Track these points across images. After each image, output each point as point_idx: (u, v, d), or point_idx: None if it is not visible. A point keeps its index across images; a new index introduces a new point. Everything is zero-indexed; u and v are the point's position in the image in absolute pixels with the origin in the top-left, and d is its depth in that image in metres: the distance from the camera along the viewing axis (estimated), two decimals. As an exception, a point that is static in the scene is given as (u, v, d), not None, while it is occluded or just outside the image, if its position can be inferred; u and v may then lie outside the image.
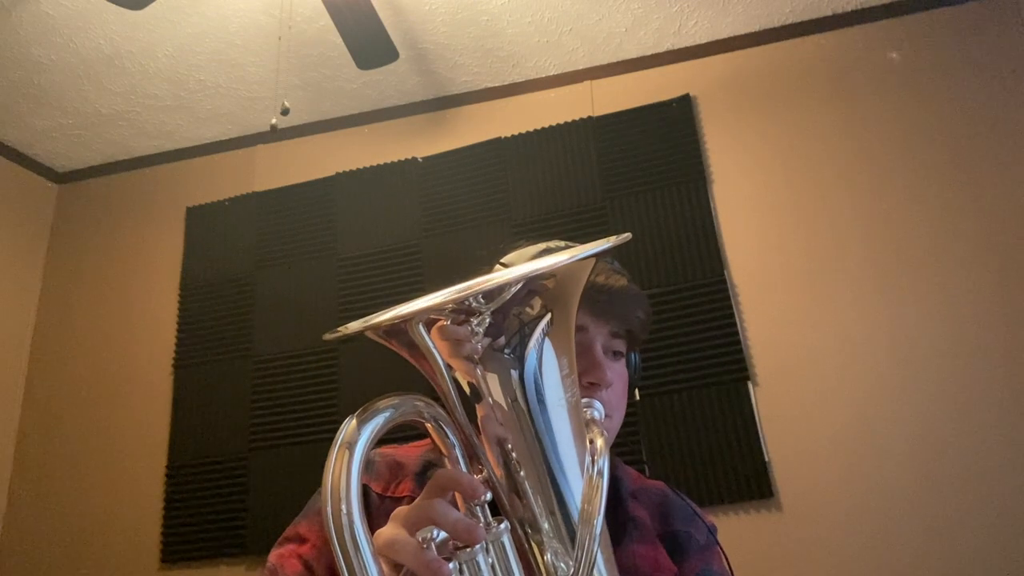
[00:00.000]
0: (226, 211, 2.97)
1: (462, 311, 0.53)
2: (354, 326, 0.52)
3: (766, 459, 2.22)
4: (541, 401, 0.57)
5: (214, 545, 2.52)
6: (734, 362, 2.32)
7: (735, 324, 2.36)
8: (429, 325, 0.54)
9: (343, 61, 2.59)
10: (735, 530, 2.18)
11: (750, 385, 2.30)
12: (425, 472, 0.78)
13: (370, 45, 2.23)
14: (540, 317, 0.56)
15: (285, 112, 2.11)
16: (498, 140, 2.78)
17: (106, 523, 2.64)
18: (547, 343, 0.57)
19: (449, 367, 0.56)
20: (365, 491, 0.77)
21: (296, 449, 2.56)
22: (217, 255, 2.91)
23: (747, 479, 2.20)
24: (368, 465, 0.80)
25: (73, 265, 3.06)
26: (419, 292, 0.50)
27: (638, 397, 2.34)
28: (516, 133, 2.77)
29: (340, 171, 2.90)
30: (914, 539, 2.08)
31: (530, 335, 0.56)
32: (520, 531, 0.59)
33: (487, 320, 0.53)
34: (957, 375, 2.20)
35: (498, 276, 0.52)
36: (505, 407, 0.56)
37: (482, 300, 0.52)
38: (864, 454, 2.18)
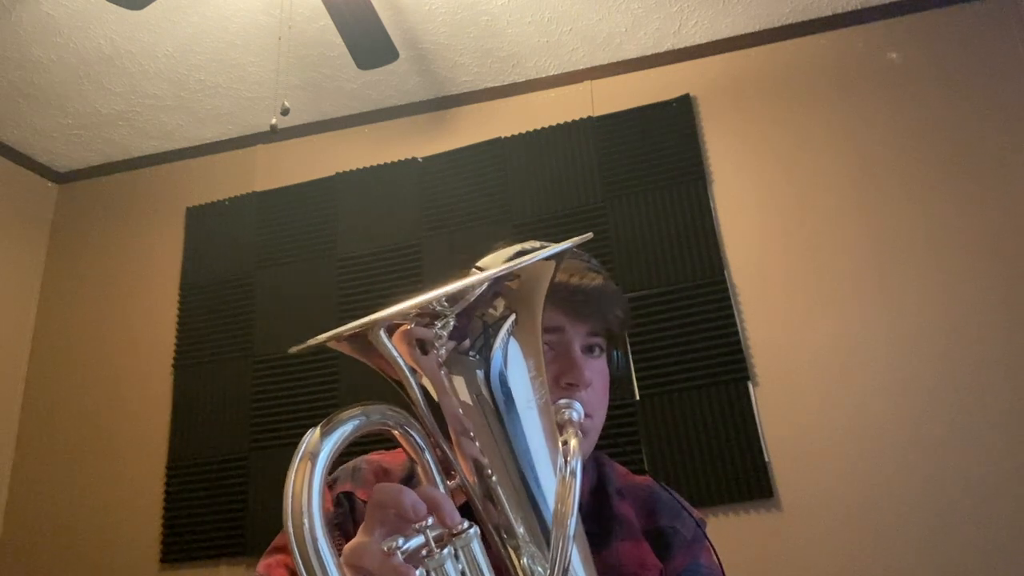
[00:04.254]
0: (226, 211, 2.97)
1: (425, 315, 0.52)
2: (320, 338, 0.51)
3: (766, 459, 2.21)
4: (509, 402, 0.57)
5: (214, 545, 2.52)
6: (734, 362, 2.32)
7: (735, 324, 2.36)
8: (392, 332, 0.53)
9: (343, 61, 2.59)
10: (735, 530, 2.18)
11: (750, 385, 2.30)
12: (411, 478, 0.78)
13: (370, 45, 2.23)
14: (504, 318, 0.56)
15: (285, 112, 2.11)
16: (498, 140, 2.78)
17: (106, 523, 2.65)
18: (513, 344, 0.57)
19: (414, 372, 0.55)
20: (351, 499, 0.77)
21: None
22: (217, 255, 2.91)
23: (747, 479, 2.20)
24: (355, 472, 0.81)
25: (73, 265, 3.07)
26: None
27: (638, 397, 2.34)
28: (516, 133, 2.77)
29: (340, 171, 2.90)
30: (914, 539, 2.08)
31: (495, 336, 0.56)
32: (496, 537, 0.58)
33: (451, 323, 0.53)
34: (957, 375, 2.19)
35: (453, 286, 0.51)
36: (473, 410, 0.56)
37: (445, 304, 0.52)
38: (864, 454, 2.17)
